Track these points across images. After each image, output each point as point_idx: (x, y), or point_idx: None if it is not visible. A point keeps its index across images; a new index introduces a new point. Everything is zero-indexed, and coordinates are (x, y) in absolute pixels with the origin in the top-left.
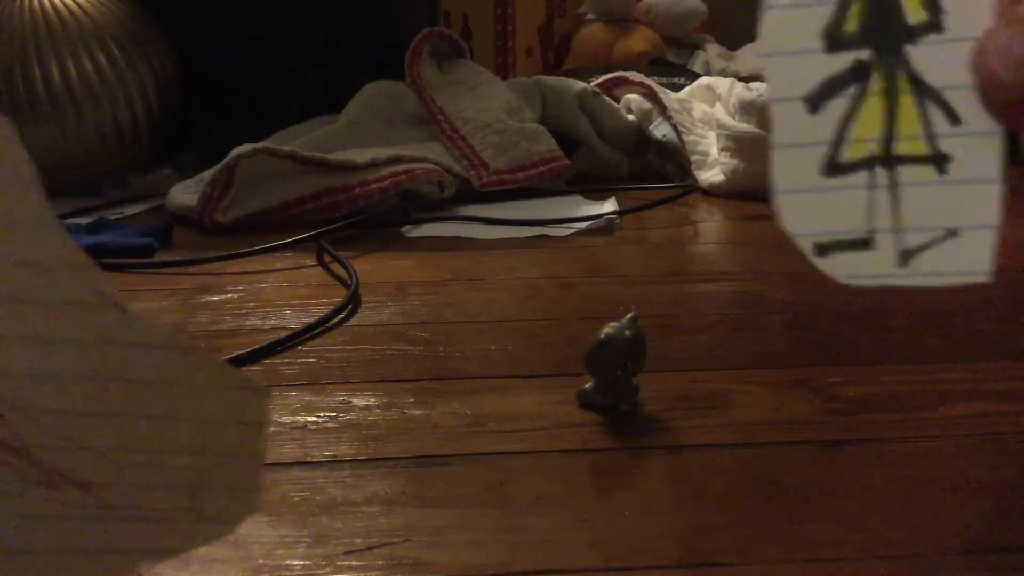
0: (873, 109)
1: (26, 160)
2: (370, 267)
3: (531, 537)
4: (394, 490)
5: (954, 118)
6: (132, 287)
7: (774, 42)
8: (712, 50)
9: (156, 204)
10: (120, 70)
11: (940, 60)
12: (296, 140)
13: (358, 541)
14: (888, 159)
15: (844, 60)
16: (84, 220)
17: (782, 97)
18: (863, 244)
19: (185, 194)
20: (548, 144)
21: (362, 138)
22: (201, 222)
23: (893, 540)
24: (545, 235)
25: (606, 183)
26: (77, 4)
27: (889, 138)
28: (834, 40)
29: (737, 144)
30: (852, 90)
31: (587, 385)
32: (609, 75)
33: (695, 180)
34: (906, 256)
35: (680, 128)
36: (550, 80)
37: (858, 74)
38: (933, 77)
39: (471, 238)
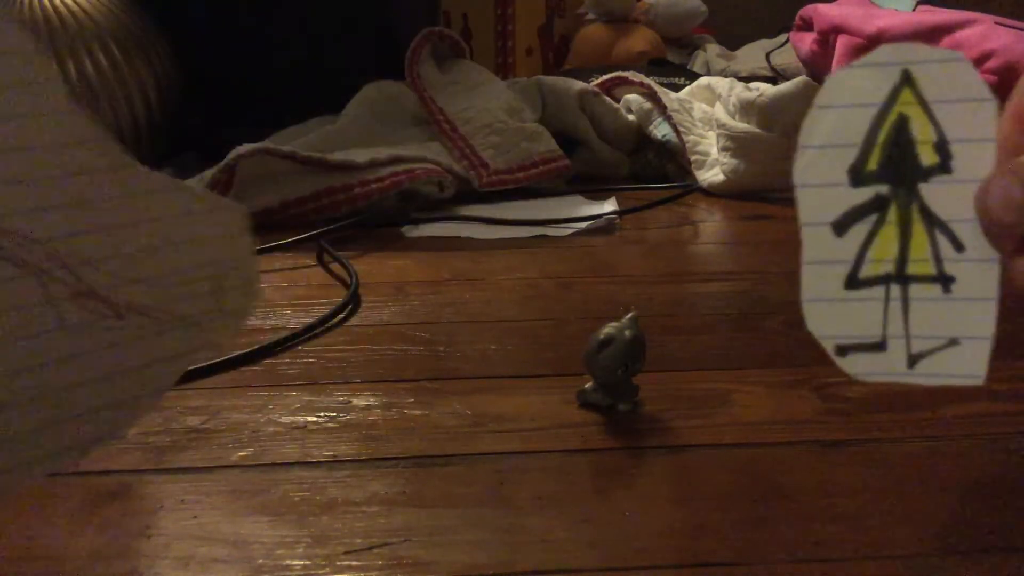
0: (890, 235)
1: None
2: (370, 267)
3: (531, 537)
4: (394, 490)
5: (958, 246)
6: None
7: (807, 175)
8: (712, 50)
9: None
10: (120, 70)
11: (948, 197)
12: (296, 140)
13: (358, 541)
14: (901, 277)
15: (866, 193)
16: None
17: (812, 222)
18: (877, 347)
19: None
20: (548, 144)
21: (362, 138)
22: None
23: (893, 540)
24: (545, 235)
25: (606, 183)
26: (77, 4)
27: (903, 260)
28: (858, 176)
29: (737, 144)
30: (872, 218)
31: (587, 385)
32: (609, 75)
33: (695, 180)
34: (914, 359)
35: (680, 128)
36: (550, 80)
37: (878, 205)
38: (941, 210)
39: (471, 238)
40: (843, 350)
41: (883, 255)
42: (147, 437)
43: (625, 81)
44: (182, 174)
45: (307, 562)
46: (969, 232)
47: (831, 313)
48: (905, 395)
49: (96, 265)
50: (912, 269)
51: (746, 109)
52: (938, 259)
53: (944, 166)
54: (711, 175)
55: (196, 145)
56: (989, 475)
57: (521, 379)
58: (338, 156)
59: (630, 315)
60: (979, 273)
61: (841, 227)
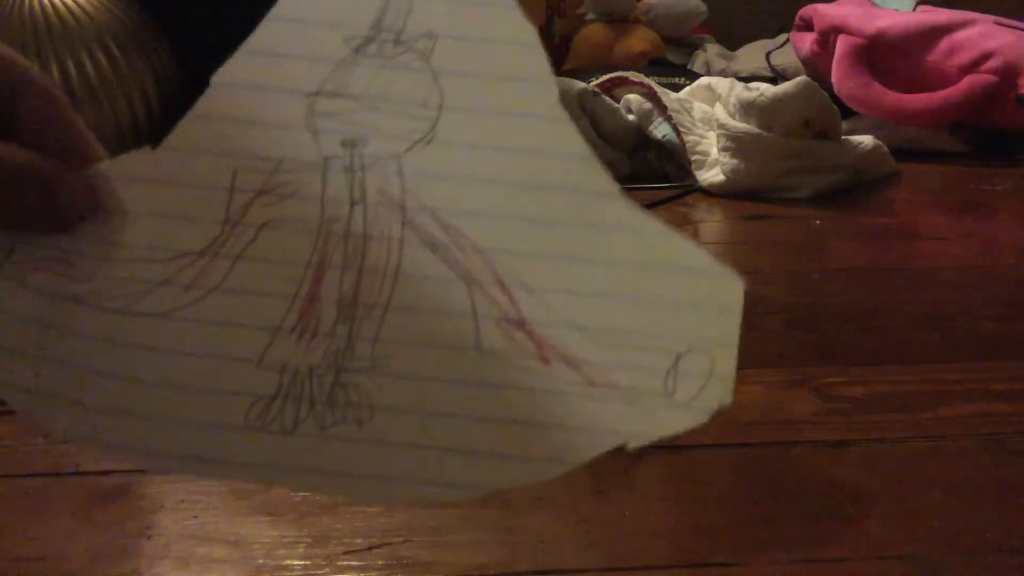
0: None
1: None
2: None
3: (531, 537)
4: None
5: None
6: None
7: None
8: (712, 50)
9: None
10: (120, 70)
11: None
12: None
13: (358, 541)
14: None
15: None
16: None
17: None
18: None
19: None
20: None
21: None
22: None
23: (893, 540)
24: None
25: None
26: (77, 4)
27: None
28: None
29: (737, 144)
30: None
31: None
32: (609, 75)
33: (695, 180)
34: None
35: (680, 128)
36: None
37: None
38: None
39: None
40: None
41: None
42: None
43: (625, 81)
44: None
45: (307, 562)
46: None
47: None
48: (905, 395)
49: (534, 294)
50: None
51: (746, 109)
52: None
53: None
54: (711, 175)
55: None
56: (989, 475)
57: None
58: None
59: None
60: None
61: None
